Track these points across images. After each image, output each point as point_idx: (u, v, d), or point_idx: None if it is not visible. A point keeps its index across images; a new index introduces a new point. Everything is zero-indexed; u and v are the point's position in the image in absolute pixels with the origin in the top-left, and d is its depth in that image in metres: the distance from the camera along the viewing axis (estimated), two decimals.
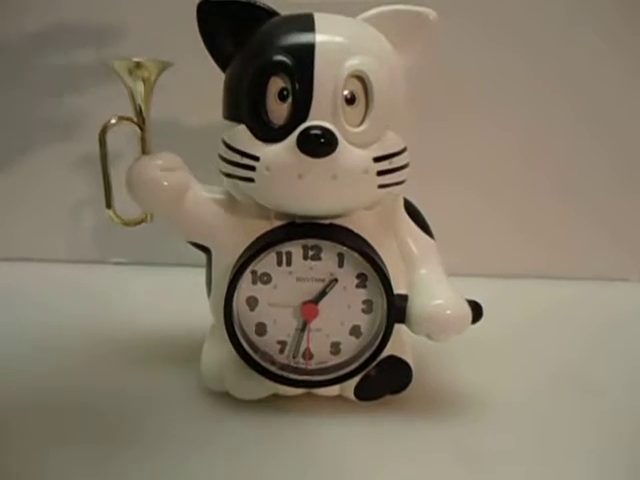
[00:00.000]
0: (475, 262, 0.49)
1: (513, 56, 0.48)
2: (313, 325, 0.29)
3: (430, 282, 0.30)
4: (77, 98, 0.49)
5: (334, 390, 0.31)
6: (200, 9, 0.27)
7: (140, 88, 0.29)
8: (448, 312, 0.28)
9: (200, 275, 0.33)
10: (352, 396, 0.31)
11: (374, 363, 0.29)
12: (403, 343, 0.32)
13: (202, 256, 0.32)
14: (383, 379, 0.30)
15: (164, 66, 0.29)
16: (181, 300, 0.42)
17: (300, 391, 0.31)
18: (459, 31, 0.44)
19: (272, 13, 0.28)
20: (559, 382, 0.34)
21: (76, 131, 0.50)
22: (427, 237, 0.32)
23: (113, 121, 0.30)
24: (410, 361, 0.31)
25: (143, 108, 0.29)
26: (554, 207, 0.52)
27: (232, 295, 0.28)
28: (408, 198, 0.32)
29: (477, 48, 0.47)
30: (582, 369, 0.36)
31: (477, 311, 0.29)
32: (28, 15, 0.48)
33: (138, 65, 0.28)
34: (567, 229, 0.52)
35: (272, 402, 0.31)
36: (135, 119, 0.30)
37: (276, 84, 0.25)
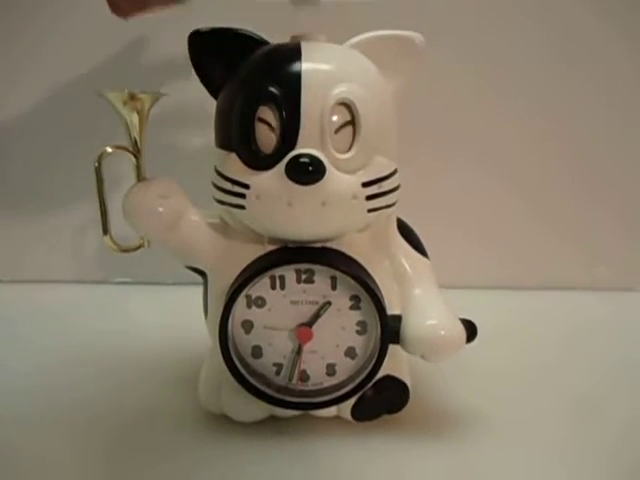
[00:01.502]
0: (468, 274, 0.50)
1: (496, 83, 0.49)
2: (308, 347, 0.29)
3: (424, 302, 0.30)
4: (80, 124, 0.50)
5: (331, 411, 0.31)
6: (191, 40, 0.28)
7: (135, 119, 0.30)
8: (442, 332, 0.28)
9: (200, 295, 0.33)
10: (349, 416, 0.31)
11: (370, 384, 0.29)
12: (400, 363, 0.32)
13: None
14: (380, 399, 0.31)
15: (157, 97, 0.30)
16: (182, 319, 0.42)
17: (297, 413, 0.31)
18: (451, 54, 0.45)
19: (261, 42, 0.28)
20: (556, 399, 0.34)
21: (79, 156, 0.51)
22: (421, 256, 0.32)
23: (109, 150, 0.30)
24: (407, 380, 0.31)
25: (137, 138, 0.30)
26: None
27: (227, 319, 0.28)
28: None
29: (467, 71, 0.48)
30: (580, 385, 0.36)
31: (471, 330, 0.29)
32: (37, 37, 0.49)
33: (132, 97, 0.29)
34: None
35: (269, 423, 0.31)
36: (130, 148, 0.30)
37: (264, 113, 0.26)
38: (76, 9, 0.48)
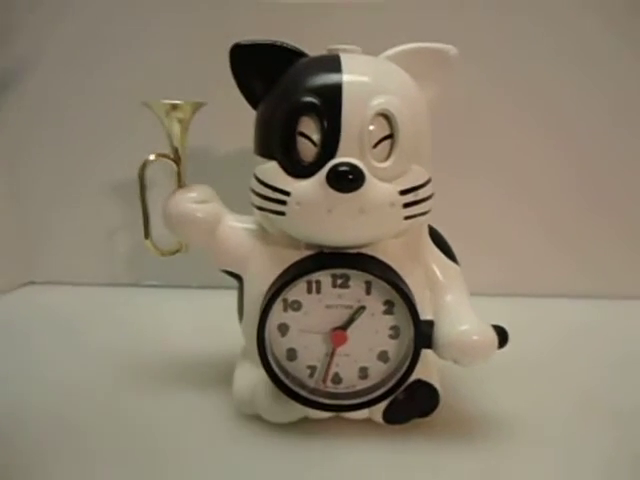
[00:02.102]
0: (499, 282, 0.50)
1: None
2: (342, 350, 0.30)
3: (456, 308, 0.30)
4: (112, 130, 0.52)
5: (363, 414, 0.31)
6: (233, 53, 0.29)
7: (176, 128, 0.31)
8: (475, 338, 0.28)
9: (231, 297, 0.34)
10: (381, 420, 0.31)
11: (402, 387, 0.30)
12: (430, 367, 0.32)
13: (232, 279, 0.33)
14: (411, 403, 0.31)
15: (198, 106, 0.31)
16: (213, 323, 0.43)
17: (329, 414, 0.31)
18: (480, 67, 0.46)
19: (300, 54, 0.29)
20: (588, 405, 0.34)
21: (110, 160, 0.52)
22: (452, 263, 0.32)
23: (152, 158, 0.32)
24: (437, 385, 0.32)
25: (179, 146, 0.31)
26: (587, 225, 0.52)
27: (264, 322, 0.29)
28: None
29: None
30: (612, 392, 0.36)
31: (503, 336, 0.29)
32: (69, 51, 0.51)
33: (174, 107, 0.30)
34: (595, 248, 0.52)
35: (302, 425, 0.31)
36: (172, 156, 0.32)
37: (305, 124, 0.27)
38: (113, 19, 0.50)
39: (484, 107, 0.49)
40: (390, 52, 0.29)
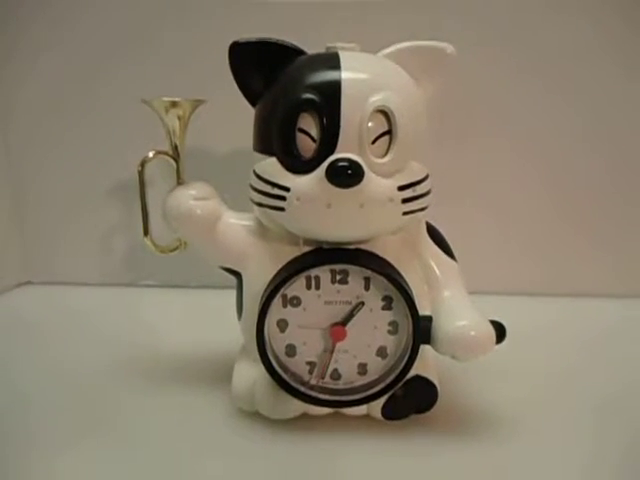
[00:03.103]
0: (498, 280, 0.50)
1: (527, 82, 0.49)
2: (340, 346, 0.30)
3: (454, 304, 0.30)
4: (109, 130, 0.52)
5: (362, 410, 0.32)
6: (232, 50, 0.29)
7: (176, 124, 0.31)
8: (472, 333, 0.29)
9: (228, 297, 0.34)
10: (379, 415, 0.31)
11: (400, 383, 0.30)
12: (428, 363, 0.32)
13: (230, 278, 0.33)
14: (409, 399, 0.31)
15: (198, 104, 0.31)
16: (210, 321, 0.43)
17: (328, 411, 0.32)
18: (481, 61, 0.46)
19: (299, 52, 0.30)
20: (587, 401, 0.35)
21: (108, 161, 0.52)
22: (449, 259, 0.33)
23: (151, 155, 0.32)
24: (435, 380, 0.32)
25: (178, 143, 0.32)
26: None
27: (264, 318, 0.29)
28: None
29: (496, 76, 0.49)
30: (611, 389, 0.36)
31: (500, 332, 0.30)
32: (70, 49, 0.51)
33: (174, 104, 0.30)
34: (594, 248, 0.52)
35: (301, 421, 0.32)
36: (171, 152, 0.32)
37: (305, 120, 0.27)
38: (113, 18, 0.50)
39: (490, 101, 0.49)
40: (388, 50, 0.30)
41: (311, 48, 0.30)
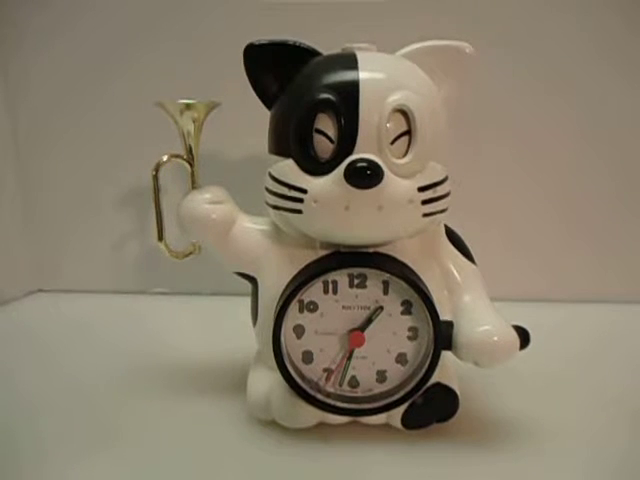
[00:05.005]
0: (520, 286, 0.49)
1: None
2: (359, 353, 0.29)
3: (475, 308, 0.30)
4: (120, 135, 0.52)
5: (381, 418, 0.31)
6: (247, 52, 0.29)
7: (190, 127, 0.31)
8: (495, 338, 0.28)
9: (240, 304, 0.34)
10: (399, 424, 0.30)
11: (421, 391, 0.29)
12: (449, 370, 0.31)
13: (243, 285, 0.33)
14: (430, 407, 0.30)
15: (212, 106, 0.31)
16: (223, 329, 0.43)
17: (347, 419, 0.31)
18: (497, 64, 0.46)
19: (314, 53, 0.29)
20: (609, 409, 0.34)
21: (120, 168, 0.52)
22: (469, 263, 0.32)
23: (165, 158, 0.31)
24: (456, 388, 0.31)
25: (193, 146, 0.31)
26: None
27: (280, 324, 0.29)
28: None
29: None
30: (634, 396, 0.35)
31: (524, 337, 0.29)
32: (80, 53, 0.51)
33: (188, 106, 0.30)
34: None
35: (319, 430, 0.31)
36: (185, 156, 0.31)
37: (322, 121, 0.26)
38: (125, 19, 0.50)
39: (494, 108, 0.49)
40: (406, 50, 0.29)
41: (326, 49, 0.30)
